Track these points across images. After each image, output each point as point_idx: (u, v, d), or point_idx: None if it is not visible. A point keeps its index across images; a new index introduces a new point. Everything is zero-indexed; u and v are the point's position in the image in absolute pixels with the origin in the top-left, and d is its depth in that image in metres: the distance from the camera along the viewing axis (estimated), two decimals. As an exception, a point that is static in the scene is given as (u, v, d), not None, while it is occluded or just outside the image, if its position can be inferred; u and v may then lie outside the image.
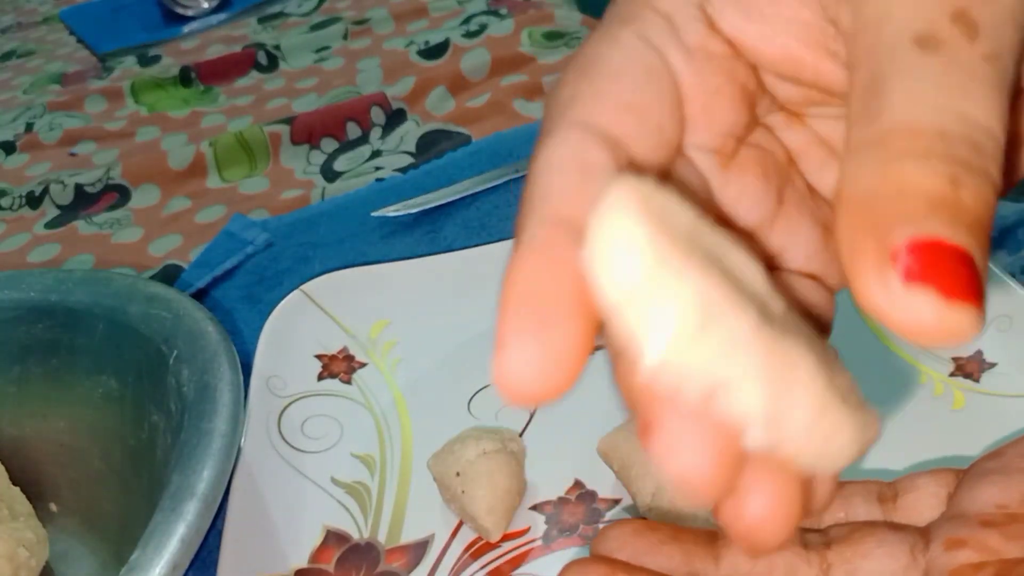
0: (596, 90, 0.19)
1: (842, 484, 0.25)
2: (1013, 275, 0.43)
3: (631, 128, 0.19)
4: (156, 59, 0.89)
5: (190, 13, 0.95)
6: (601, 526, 0.39)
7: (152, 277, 0.59)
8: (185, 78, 0.83)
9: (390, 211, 0.58)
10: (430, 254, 0.52)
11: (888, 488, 0.28)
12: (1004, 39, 0.17)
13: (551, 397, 0.16)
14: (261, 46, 0.85)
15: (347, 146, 0.70)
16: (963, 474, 0.27)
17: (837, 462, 0.17)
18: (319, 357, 0.48)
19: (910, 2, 0.17)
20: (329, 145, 0.70)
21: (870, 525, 0.26)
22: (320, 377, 0.47)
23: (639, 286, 0.15)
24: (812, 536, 0.26)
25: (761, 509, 0.17)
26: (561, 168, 0.18)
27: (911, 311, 0.15)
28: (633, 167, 0.19)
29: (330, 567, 0.39)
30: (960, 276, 0.15)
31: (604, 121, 0.19)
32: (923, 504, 0.27)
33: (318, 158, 0.69)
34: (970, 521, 0.24)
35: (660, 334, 0.15)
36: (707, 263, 0.15)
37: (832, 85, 0.20)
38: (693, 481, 0.16)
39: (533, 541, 0.39)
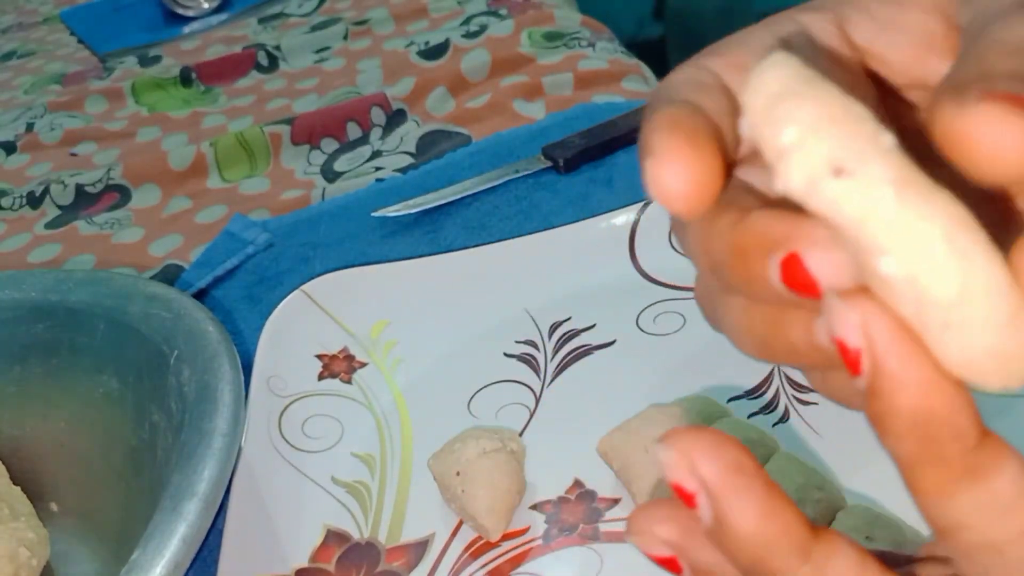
0: (717, 50, 0.22)
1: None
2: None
3: (734, 80, 0.21)
4: (157, 59, 0.89)
5: (191, 13, 0.95)
6: (601, 526, 0.39)
7: (153, 277, 0.59)
8: (186, 78, 0.83)
9: (390, 211, 0.58)
10: (430, 254, 0.52)
11: None
12: None
13: (694, 208, 0.18)
14: (262, 46, 0.85)
15: (347, 146, 0.70)
16: None
17: (987, 317, 0.15)
18: (319, 357, 0.48)
19: None
20: (329, 145, 0.70)
21: None
22: (320, 377, 0.47)
23: (783, 91, 0.15)
24: None
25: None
26: (682, 82, 0.21)
27: (982, 116, 0.16)
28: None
29: (330, 566, 0.39)
30: None
31: (715, 67, 0.22)
32: None
33: (318, 158, 0.70)
34: None
35: (795, 123, 0.15)
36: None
37: None
38: None
39: (533, 540, 0.39)
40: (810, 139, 0.15)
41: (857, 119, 0.15)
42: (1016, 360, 0.15)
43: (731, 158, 0.20)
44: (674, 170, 0.18)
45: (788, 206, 0.17)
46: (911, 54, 0.22)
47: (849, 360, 0.17)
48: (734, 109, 0.21)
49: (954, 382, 0.16)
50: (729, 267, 0.19)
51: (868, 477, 0.38)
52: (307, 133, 0.71)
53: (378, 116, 0.72)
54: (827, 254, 0.17)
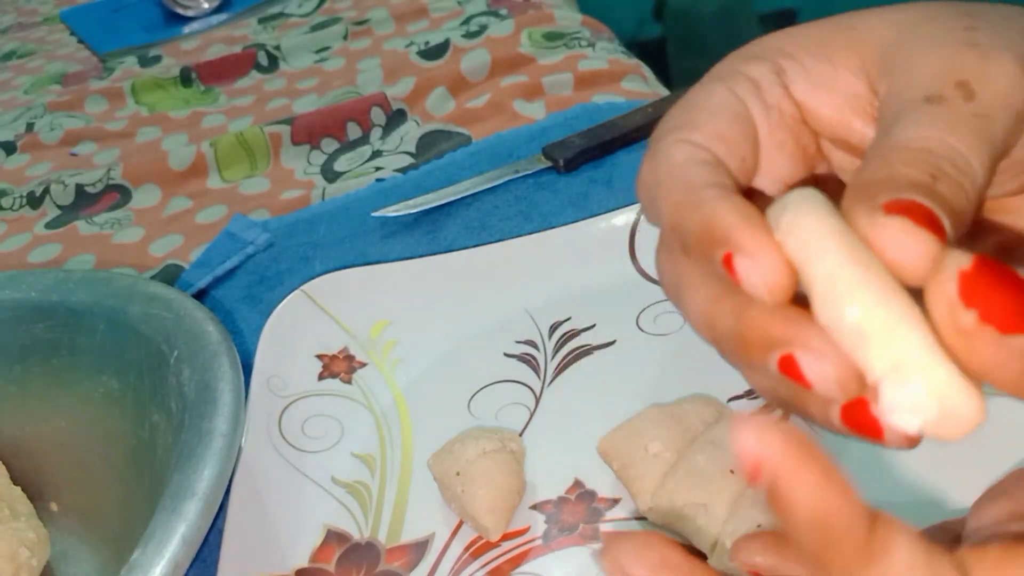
0: (695, 122, 0.24)
1: None
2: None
3: (723, 153, 0.24)
4: (157, 59, 0.89)
5: (191, 13, 0.95)
6: (601, 526, 0.39)
7: (153, 277, 0.59)
8: (186, 78, 0.83)
9: (390, 211, 0.58)
10: (430, 254, 0.52)
11: None
12: (993, 106, 0.22)
13: (782, 298, 0.20)
14: (262, 46, 0.85)
15: (347, 146, 0.70)
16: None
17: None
18: (319, 357, 0.48)
19: (927, 73, 0.23)
20: (329, 145, 0.70)
21: None
22: (320, 377, 0.47)
23: (835, 254, 0.19)
24: None
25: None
26: (692, 162, 0.24)
27: (888, 229, 0.19)
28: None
29: (330, 566, 0.39)
30: (929, 219, 0.19)
31: (703, 142, 0.24)
32: None
33: (318, 158, 0.70)
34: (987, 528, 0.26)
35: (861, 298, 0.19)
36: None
37: None
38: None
39: (533, 540, 0.39)
40: (892, 380, 0.19)
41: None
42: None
43: None
44: (767, 268, 0.20)
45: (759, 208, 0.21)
46: (839, 115, 0.25)
47: (751, 474, 0.19)
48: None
49: (839, 482, 0.19)
50: (732, 348, 0.22)
51: (868, 477, 0.37)
52: (307, 133, 0.71)
53: (378, 116, 0.72)
54: (818, 362, 0.20)
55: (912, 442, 0.21)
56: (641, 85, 0.70)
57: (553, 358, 0.47)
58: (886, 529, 0.19)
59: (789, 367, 0.20)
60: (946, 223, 0.20)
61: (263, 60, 0.84)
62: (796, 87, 0.25)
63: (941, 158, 0.21)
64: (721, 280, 0.22)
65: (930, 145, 0.21)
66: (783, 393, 0.22)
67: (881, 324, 0.19)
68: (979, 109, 0.22)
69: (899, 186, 0.20)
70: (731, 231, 0.21)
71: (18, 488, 0.44)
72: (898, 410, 0.20)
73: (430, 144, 0.68)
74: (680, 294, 0.24)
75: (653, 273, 0.50)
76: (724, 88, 0.25)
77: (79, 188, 0.69)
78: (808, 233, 0.20)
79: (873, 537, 0.19)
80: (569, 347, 0.47)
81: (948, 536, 0.28)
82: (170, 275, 0.59)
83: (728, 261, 0.20)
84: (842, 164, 0.27)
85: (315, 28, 0.88)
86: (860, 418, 0.21)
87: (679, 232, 0.22)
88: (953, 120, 0.22)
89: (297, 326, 0.48)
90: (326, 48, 0.85)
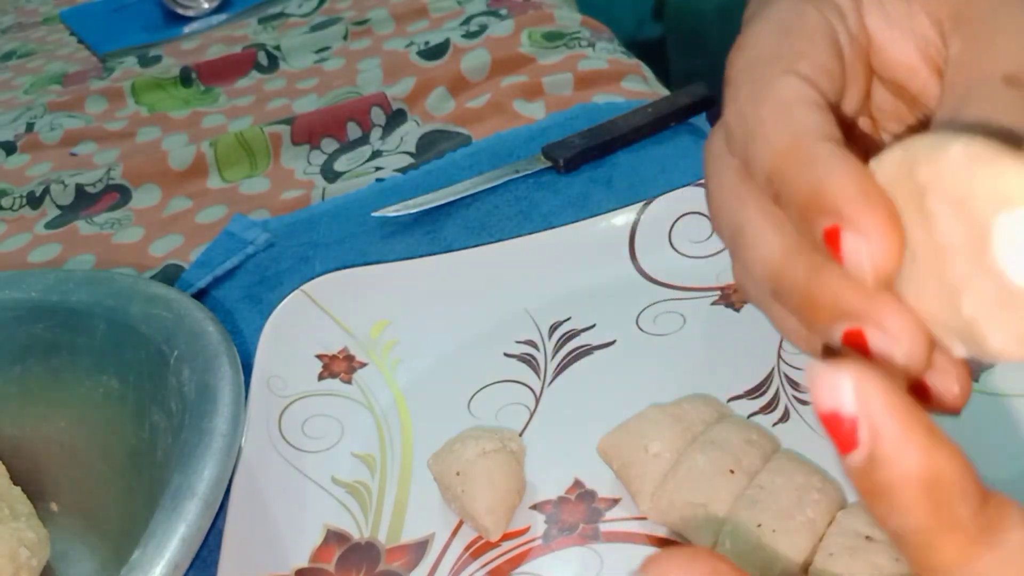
0: (800, 51, 0.23)
1: None
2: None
3: (828, 89, 0.23)
4: (157, 59, 0.89)
5: (191, 13, 0.95)
6: (601, 526, 0.39)
7: (153, 277, 0.59)
8: (186, 78, 0.83)
9: (390, 211, 0.58)
10: (430, 254, 0.52)
11: None
12: None
13: (890, 278, 0.19)
14: (262, 46, 0.85)
15: (347, 146, 0.70)
16: None
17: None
18: (319, 357, 0.48)
19: (1009, 47, 0.21)
20: (329, 145, 0.70)
21: None
22: (320, 377, 0.47)
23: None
24: None
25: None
26: (802, 101, 0.22)
27: None
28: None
29: (330, 566, 0.39)
30: None
31: (811, 75, 0.23)
32: None
33: (318, 158, 0.70)
34: None
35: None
36: None
37: (931, 101, 0.24)
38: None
39: (533, 540, 0.39)
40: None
41: None
42: None
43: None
44: (881, 251, 0.19)
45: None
46: (906, 58, 0.24)
47: (843, 435, 0.16)
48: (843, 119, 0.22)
49: (951, 447, 0.16)
50: (795, 304, 0.20)
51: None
52: (307, 133, 0.71)
53: (378, 116, 0.72)
54: (892, 344, 0.18)
55: (956, 407, 0.20)
56: (641, 85, 0.70)
57: (553, 358, 0.47)
58: (1000, 508, 0.16)
59: (856, 340, 0.19)
60: None
61: (263, 60, 0.84)
62: (871, 19, 0.24)
63: None
64: (801, 233, 0.21)
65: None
66: (815, 347, 0.21)
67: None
68: None
69: None
70: (846, 204, 0.19)
71: (18, 488, 0.44)
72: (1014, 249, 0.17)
73: (430, 144, 0.68)
74: (742, 234, 0.22)
75: (653, 273, 0.50)
76: (815, 11, 0.24)
77: (79, 188, 0.69)
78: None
79: (987, 516, 0.16)
80: (569, 347, 0.47)
81: None
82: (170, 275, 0.59)
83: (833, 233, 0.19)
84: (882, 104, 0.26)
85: (315, 28, 0.88)
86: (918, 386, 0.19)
87: (778, 182, 0.21)
88: None
89: (297, 326, 0.48)
90: (326, 48, 0.85)
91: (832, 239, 0.19)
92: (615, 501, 0.39)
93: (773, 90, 0.22)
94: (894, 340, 0.18)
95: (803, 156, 0.20)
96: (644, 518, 0.38)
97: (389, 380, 0.47)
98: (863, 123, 0.27)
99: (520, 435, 0.43)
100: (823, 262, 0.20)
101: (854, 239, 0.18)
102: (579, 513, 0.39)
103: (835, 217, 0.19)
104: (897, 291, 0.19)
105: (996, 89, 0.20)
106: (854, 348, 0.19)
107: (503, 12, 0.83)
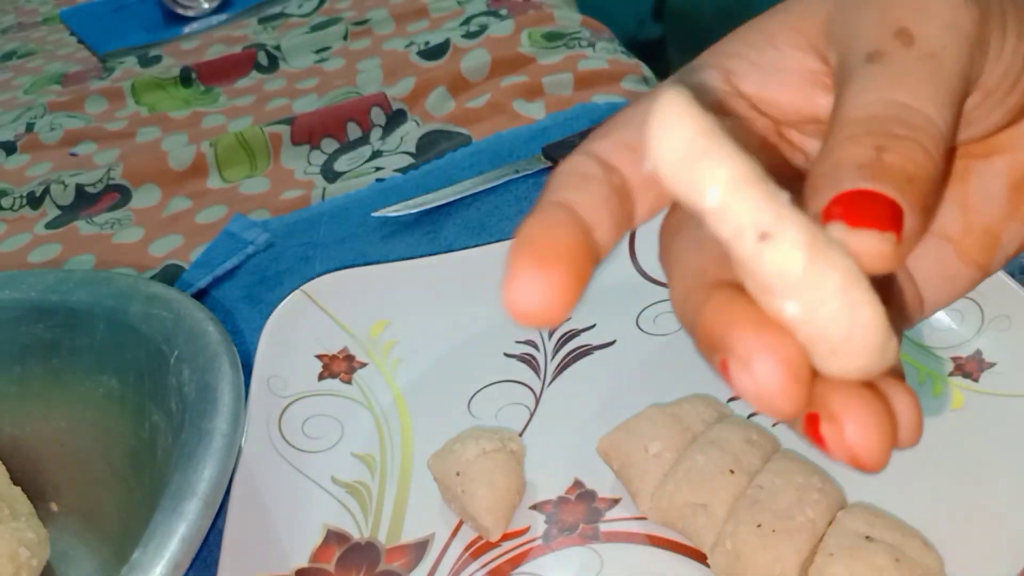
0: (602, 132, 0.23)
1: None
2: (1012, 275, 0.44)
3: (626, 161, 0.22)
4: (157, 59, 0.89)
5: (191, 13, 0.95)
6: (601, 526, 0.39)
7: (153, 277, 0.59)
8: (186, 78, 0.83)
9: (390, 211, 0.58)
10: (430, 254, 0.52)
11: None
12: (938, 42, 0.20)
13: (549, 321, 0.19)
14: (262, 47, 0.85)
15: (347, 146, 0.70)
16: None
17: (865, 348, 0.18)
18: (319, 357, 0.48)
19: (865, 30, 0.21)
20: (329, 145, 0.70)
21: None
22: (320, 377, 0.47)
23: (694, 148, 0.17)
24: None
25: (861, 434, 0.19)
26: (565, 173, 0.22)
27: (835, 235, 0.18)
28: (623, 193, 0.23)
29: (330, 566, 0.39)
30: (870, 210, 0.18)
31: (603, 151, 0.22)
32: None
33: (318, 158, 0.70)
34: None
35: (716, 183, 0.17)
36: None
37: None
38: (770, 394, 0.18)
39: (533, 540, 0.39)
40: (732, 202, 0.17)
41: (760, 178, 0.17)
42: (878, 371, 0.19)
43: (598, 256, 0.21)
44: (525, 290, 0.19)
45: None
46: (799, 94, 0.24)
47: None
48: (621, 189, 0.22)
49: None
50: (695, 341, 0.20)
51: (868, 476, 0.37)
52: (307, 133, 0.71)
53: (378, 116, 0.72)
54: (742, 373, 0.18)
55: (855, 458, 0.19)
56: (641, 85, 0.70)
57: (553, 358, 0.47)
58: None
59: (726, 374, 0.18)
60: (896, 196, 0.18)
61: (263, 60, 0.84)
62: (747, 83, 0.24)
63: (888, 121, 0.19)
64: (697, 273, 0.21)
65: (874, 110, 0.20)
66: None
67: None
68: (922, 51, 0.20)
69: (841, 175, 0.19)
70: (508, 255, 0.19)
71: (18, 488, 0.44)
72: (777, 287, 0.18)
73: (430, 144, 0.68)
74: (668, 278, 0.23)
75: (653, 273, 0.50)
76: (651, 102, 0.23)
77: (79, 188, 0.69)
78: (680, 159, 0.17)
79: None
80: (569, 347, 0.47)
81: None
82: (170, 275, 0.59)
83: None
84: (815, 148, 0.25)
85: (315, 28, 0.88)
86: (814, 431, 0.19)
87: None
88: (895, 73, 0.20)
89: (297, 326, 0.48)
90: (326, 48, 0.85)
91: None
92: (615, 501, 0.39)
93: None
94: (743, 367, 0.18)
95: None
96: (644, 518, 0.38)
97: (389, 380, 0.47)
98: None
99: (520, 435, 0.43)
100: (706, 296, 0.20)
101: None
102: (579, 513, 0.39)
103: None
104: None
105: (861, 68, 0.21)
106: (730, 383, 0.18)
107: (503, 12, 0.83)
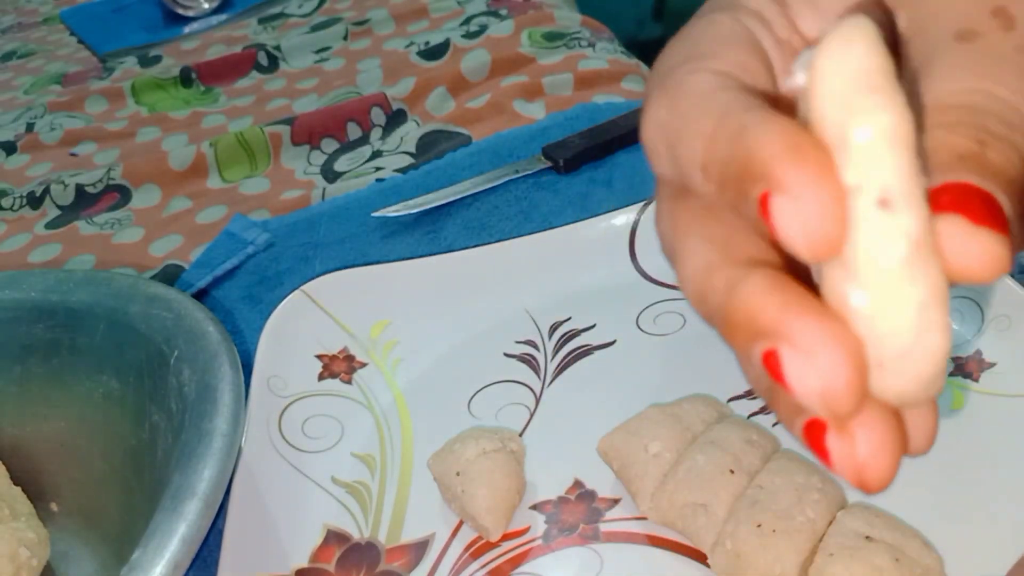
0: (709, 52, 0.20)
1: None
2: (1012, 275, 0.44)
3: (746, 80, 0.20)
4: (157, 59, 0.89)
5: (191, 14, 0.95)
6: (601, 526, 0.39)
7: (153, 277, 0.59)
8: (186, 78, 0.83)
9: (390, 211, 0.58)
10: (430, 254, 0.52)
11: None
12: None
13: (830, 249, 0.16)
14: (262, 47, 0.85)
15: (347, 146, 0.70)
16: None
17: (915, 374, 0.16)
18: (319, 357, 0.48)
19: (954, 6, 0.19)
20: (329, 145, 0.70)
21: None
22: (320, 377, 0.47)
23: (868, 81, 0.15)
24: None
25: (874, 454, 0.17)
26: (720, 89, 0.19)
27: (945, 236, 0.16)
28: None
29: (331, 566, 0.39)
30: (987, 210, 0.16)
31: (727, 70, 0.20)
32: None
33: (318, 158, 0.70)
34: None
35: (874, 125, 0.15)
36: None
37: None
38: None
39: (533, 540, 0.39)
40: (879, 151, 0.15)
41: (914, 145, 0.16)
42: (914, 403, 0.17)
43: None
44: (808, 212, 0.16)
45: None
46: None
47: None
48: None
49: None
50: (719, 328, 0.18)
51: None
52: (307, 133, 0.71)
53: (378, 116, 0.72)
54: (804, 365, 0.16)
55: (863, 480, 0.17)
56: (641, 85, 0.70)
57: (553, 358, 0.47)
58: None
59: (772, 365, 0.16)
60: (1003, 201, 0.16)
61: (263, 60, 0.84)
62: (803, 21, 0.22)
63: (987, 115, 0.18)
64: (720, 246, 0.19)
65: (971, 99, 0.18)
66: (765, 385, 0.18)
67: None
68: (1021, 40, 0.19)
69: (945, 162, 0.17)
70: (771, 162, 0.16)
71: (18, 488, 0.44)
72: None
73: (430, 144, 0.68)
74: (675, 258, 0.20)
75: (653, 273, 0.50)
76: (730, 19, 0.22)
77: (79, 188, 0.69)
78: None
79: None
80: (569, 347, 0.47)
81: None
82: (170, 275, 0.59)
83: (764, 203, 0.16)
84: None
85: (315, 28, 0.88)
86: (817, 442, 0.17)
87: (713, 169, 0.18)
88: (992, 61, 0.18)
89: (297, 326, 0.48)
90: (326, 48, 0.85)
91: (764, 211, 0.16)
92: (615, 501, 0.39)
93: (687, 88, 0.19)
94: (806, 358, 0.16)
95: (734, 128, 0.17)
96: (644, 518, 0.38)
97: (389, 380, 0.47)
98: None
99: (520, 435, 0.43)
100: (742, 274, 0.17)
101: (781, 203, 0.16)
102: (579, 513, 0.39)
103: (764, 181, 0.16)
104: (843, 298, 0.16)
105: (951, 47, 0.19)
106: (774, 376, 0.16)
107: (503, 12, 0.83)
